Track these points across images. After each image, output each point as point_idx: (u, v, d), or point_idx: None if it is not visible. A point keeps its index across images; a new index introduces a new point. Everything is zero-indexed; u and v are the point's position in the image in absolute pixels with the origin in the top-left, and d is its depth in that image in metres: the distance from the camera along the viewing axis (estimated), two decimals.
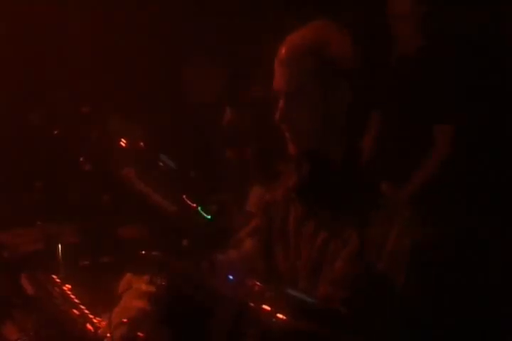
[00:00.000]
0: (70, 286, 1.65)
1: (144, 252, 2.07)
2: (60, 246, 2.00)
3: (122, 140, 2.30)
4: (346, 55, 1.64)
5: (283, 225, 1.77)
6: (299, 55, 1.61)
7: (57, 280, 1.71)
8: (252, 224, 1.92)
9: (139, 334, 1.52)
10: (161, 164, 2.29)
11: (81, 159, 2.46)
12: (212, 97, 4.30)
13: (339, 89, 1.63)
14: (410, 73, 3.29)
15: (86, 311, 1.54)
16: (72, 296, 1.60)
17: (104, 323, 1.54)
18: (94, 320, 1.51)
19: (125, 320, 1.55)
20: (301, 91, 1.61)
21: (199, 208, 2.19)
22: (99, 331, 1.53)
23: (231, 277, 1.65)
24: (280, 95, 1.65)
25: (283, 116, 1.64)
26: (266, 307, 1.46)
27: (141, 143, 2.34)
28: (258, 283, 1.53)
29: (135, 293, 1.58)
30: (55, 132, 2.56)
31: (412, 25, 3.28)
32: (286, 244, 1.75)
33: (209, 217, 2.14)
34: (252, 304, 1.48)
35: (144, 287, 1.71)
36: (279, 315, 1.44)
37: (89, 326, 1.49)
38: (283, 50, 1.64)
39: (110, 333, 1.51)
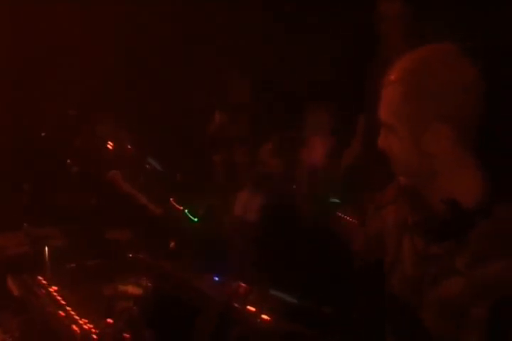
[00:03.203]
0: (56, 288, 1.66)
1: (130, 255, 2.08)
2: (46, 248, 2.00)
3: (109, 143, 2.30)
4: (456, 85, 1.48)
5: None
6: (409, 80, 1.49)
7: (44, 281, 1.71)
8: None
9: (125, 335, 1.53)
10: (147, 166, 2.30)
11: (68, 161, 2.46)
12: (201, 101, 4.31)
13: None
14: None
15: (72, 313, 1.55)
16: (59, 298, 1.60)
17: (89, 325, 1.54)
18: (80, 322, 1.51)
19: (110, 320, 1.56)
20: (402, 122, 1.46)
21: (186, 211, 2.20)
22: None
23: (216, 278, 1.67)
24: (383, 124, 1.50)
25: (383, 145, 1.50)
26: (250, 308, 1.48)
27: (129, 146, 2.35)
28: (243, 285, 1.55)
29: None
30: (42, 134, 2.56)
31: (401, 27, 3.27)
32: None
33: (195, 219, 2.15)
34: (236, 305, 1.50)
35: (130, 289, 1.72)
36: (264, 316, 1.45)
37: (75, 327, 1.50)
38: (392, 76, 1.51)
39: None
